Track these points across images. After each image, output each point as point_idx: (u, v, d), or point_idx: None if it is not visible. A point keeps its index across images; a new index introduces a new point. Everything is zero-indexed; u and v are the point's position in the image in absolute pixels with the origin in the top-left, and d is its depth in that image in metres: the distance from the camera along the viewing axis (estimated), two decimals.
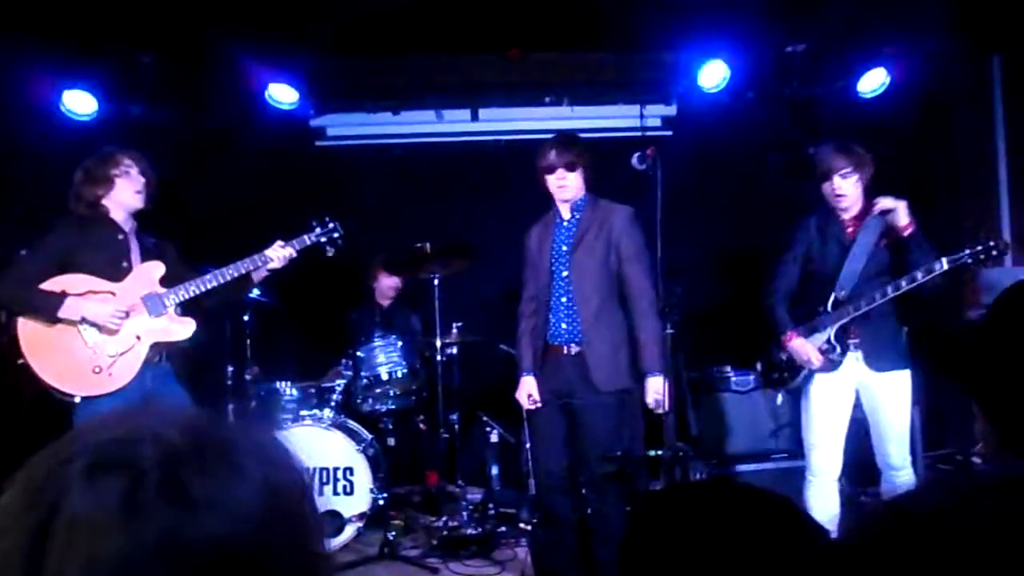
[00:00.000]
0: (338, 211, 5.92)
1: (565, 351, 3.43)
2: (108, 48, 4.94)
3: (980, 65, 5.65)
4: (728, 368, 5.20)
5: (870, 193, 3.64)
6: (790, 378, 3.66)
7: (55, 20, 4.45)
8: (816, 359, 3.48)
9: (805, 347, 3.52)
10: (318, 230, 3.68)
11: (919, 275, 3.35)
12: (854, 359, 3.51)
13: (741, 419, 5.03)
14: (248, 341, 4.63)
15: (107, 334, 3.20)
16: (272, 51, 5.01)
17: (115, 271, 3.28)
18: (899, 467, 3.50)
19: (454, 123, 5.98)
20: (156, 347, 3.29)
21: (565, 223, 3.56)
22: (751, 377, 5.11)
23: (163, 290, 3.31)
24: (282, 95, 5.25)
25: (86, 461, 0.61)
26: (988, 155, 5.69)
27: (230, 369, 4.58)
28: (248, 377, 4.58)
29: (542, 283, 3.53)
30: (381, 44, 5.13)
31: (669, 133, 5.91)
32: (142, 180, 3.38)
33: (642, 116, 5.75)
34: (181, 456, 0.62)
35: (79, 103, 5.03)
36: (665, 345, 3.36)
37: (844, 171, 3.55)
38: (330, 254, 3.71)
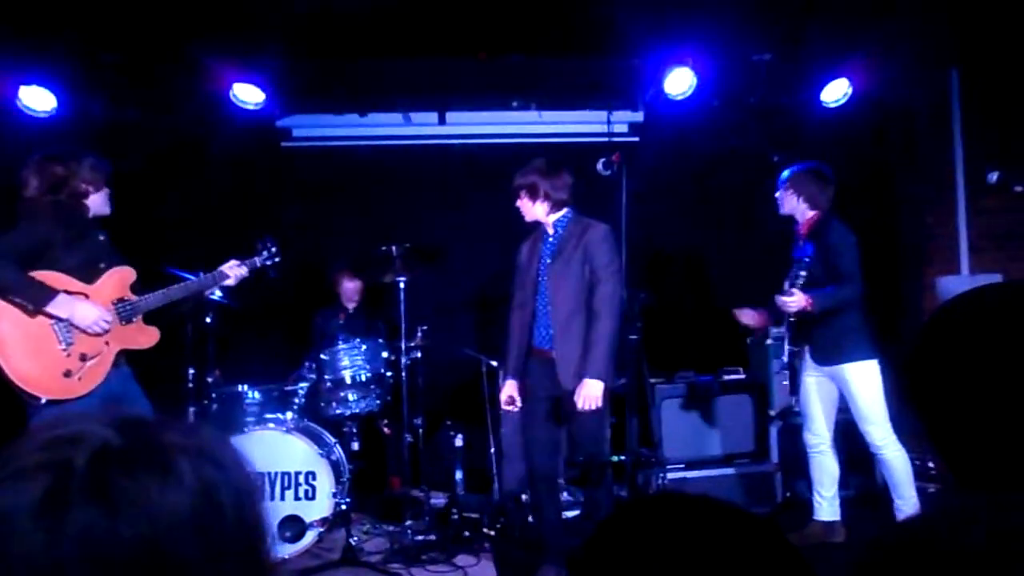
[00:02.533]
0: (303, 212, 5.94)
1: (544, 354, 3.75)
2: (68, 45, 4.85)
3: (940, 77, 5.77)
4: (692, 373, 5.25)
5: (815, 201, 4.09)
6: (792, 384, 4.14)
7: (12, 14, 4.36)
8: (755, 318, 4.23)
9: (745, 314, 4.26)
10: (264, 253, 3.85)
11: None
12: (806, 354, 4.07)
13: (704, 424, 5.07)
14: (210, 344, 4.56)
15: (82, 338, 3.13)
16: (238, 51, 4.96)
17: (89, 272, 3.20)
18: (879, 445, 3.91)
19: (421, 126, 5.96)
20: (121, 353, 3.25)
21: (550, 238, 3.83)
22: (715, 382, 5.16)
23: (134, 297, 3.27)
24: (248, 95, 5.19)
25: (19, 463, 0.60)
26: (947, 164, 5.81)
27: (191, 372, 4.50)
28: (210, 380, 4.51)
29: (528, 292, 3.84)
30: (349, 46, 5.10)
31: (636, 139, 5.95)
32: (107, 190, 3.40)
33: (609, 122, 5.79)
34: (112, 457, 0.62)
35: (37, 99, 4.92)
36: (613, 353, 3.62)
37: (783, 185, 4.12)
38: (272, 275, 3.87)
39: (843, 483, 4.31)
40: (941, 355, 0.91)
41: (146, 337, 3.31)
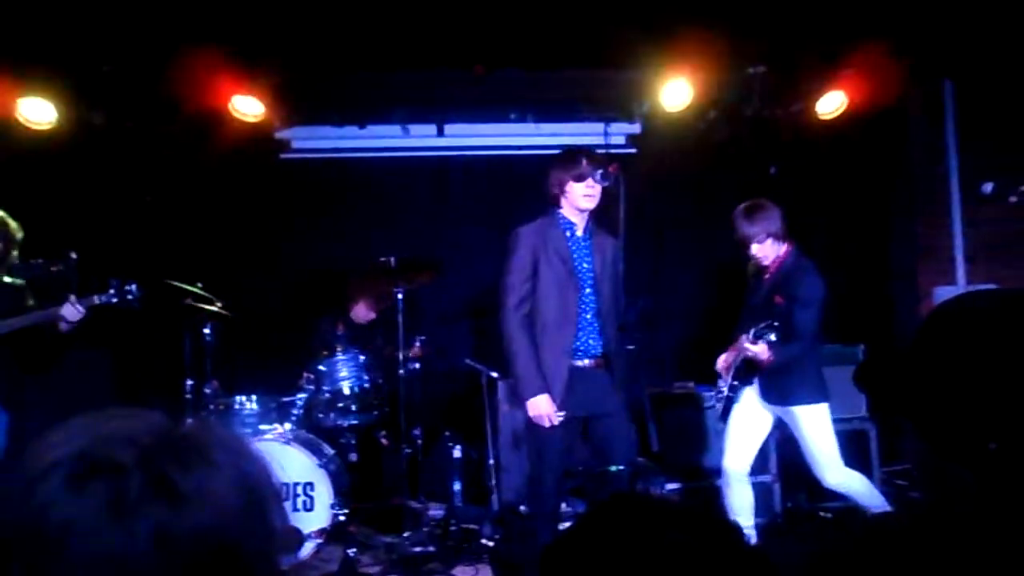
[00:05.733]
0: (303, 223, 5.96)
1: (591, 366, 3.53)
2: (68, 57, 4.87)
3: (933, 88, 5.81)
4: (691, 383, 5.25)
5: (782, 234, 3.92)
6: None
7: (12, 27, 4.38)
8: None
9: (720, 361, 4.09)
10: (112, 291, 3.86)
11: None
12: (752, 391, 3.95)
13: (704, 434, 5.08)
14: (208, 355, 4.57)
15: None
16: (237, 63, 4.98)
17: None
18: (834, 485, 3.85)
19: (420, 138, 5.99)
20: None
21: (580, 238, 3.60)
22: (714, 393, 5.16)
23: None
24: (247, 107, 5.22)
25: (66, 471, 0.61)
26: (941, 176, 5.85)
27: (189, 383, 4.51)
28: (208, 391, 4.51)
29: (565, 298, 3.49)
30: (347, 58, 5.13)
31: (633, 151, 5.98)
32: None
33: (606, 134, 5.82)
34: (160, 453, 0.63)
35: (36, 112, 4.94)
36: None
37: (758, 237, 3.84)
38: (119, 307, 3.92)
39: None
40: (936, 350, 0.95)
41: None
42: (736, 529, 0.88)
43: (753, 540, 4.06)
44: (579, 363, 3.51)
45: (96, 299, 3.81)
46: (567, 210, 3.59)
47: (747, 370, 3.91)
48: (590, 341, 3.53)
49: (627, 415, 3.54)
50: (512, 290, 3.51)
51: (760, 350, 3.67)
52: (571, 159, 3.57)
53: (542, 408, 3.40)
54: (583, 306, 3.53)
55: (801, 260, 3.87)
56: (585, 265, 3.58)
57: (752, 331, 3.67)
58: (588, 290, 3.55)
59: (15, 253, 3.84)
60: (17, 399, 3.79)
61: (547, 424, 3.41)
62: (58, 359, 3.93)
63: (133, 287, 3.89)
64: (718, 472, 4.95)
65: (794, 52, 5.16)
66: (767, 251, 3.86)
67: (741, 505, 3.97)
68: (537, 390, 3.42)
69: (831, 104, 5.35)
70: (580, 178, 3.50)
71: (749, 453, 3.98)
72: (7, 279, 3.86)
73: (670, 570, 0.83)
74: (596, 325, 3.54)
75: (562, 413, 3.40)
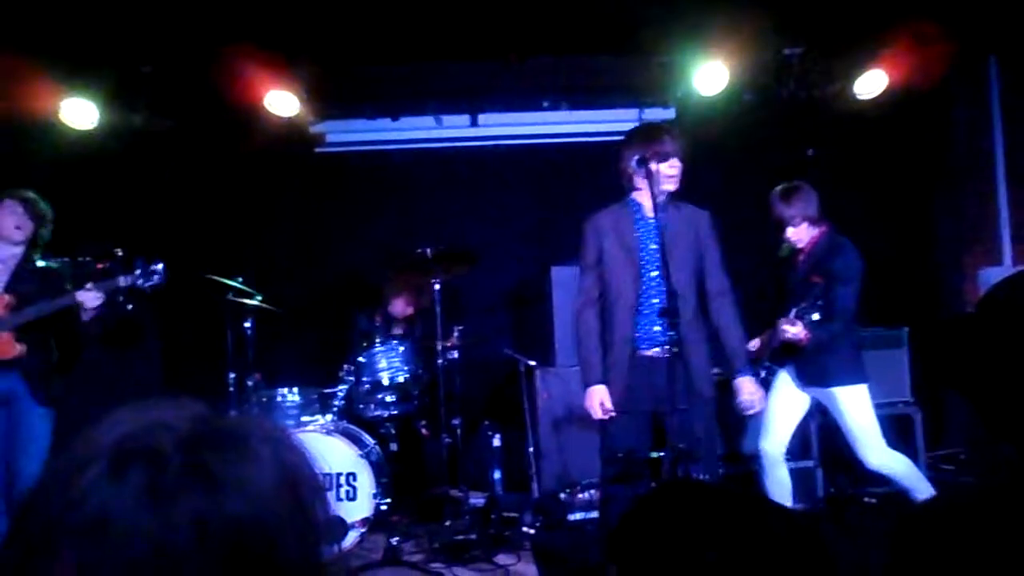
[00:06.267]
0: (339, 217, 6.01)
1: (657, 355, 3.23)
2: (108, 58, 4.96)
3: (977, 65, 5.67)
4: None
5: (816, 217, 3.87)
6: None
7: (55, 31, 4.47)
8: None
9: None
10: (137, 271, 3.76)
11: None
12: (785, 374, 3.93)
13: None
14: (250, 348, 4.64)
15: None
16: (271, 60, 5.03)
17: None
18: (877, 466, 3.79)
19: (453, 128, 6.00)
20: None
21: (650, 220, 3.34)
22: (757, 377, 5.11)
23: (3, 316, 3.66)
24: (281, 103, 5.27)
25: (107, 458, 0.62)
26: (986, 154, 5.71)
27: (232, 376, 4.59)
28: (250, 384, 4.59)
29: (625, 283, 3.30)
30: (380, 51, 5.15)
31: None
32: (26, 218, 3.75)
33: (640, 120, 5.77)
34: (199, 441, 0.64)
35: (78, 113, 5.04)
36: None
37: (794, 220, 3.80)
38: (147, 293, 3.82)
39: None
40: (997, 324, 0.94)
41: (8, 349, 3.65)
42: (804, 521, 0.89)
43: None
44: (645, 352, 3.26)
45: (121, 280, 3.73)
46: (643, 192, 3.32)
47: (783, 353, 3.87)
48: (655, 328, 3.24)
49: (704, 407, 3.27)
50: (581, 278, 3.41)
51: (798, 331, 3.62)
52: (653, 135, 3.29)
53: (592, 400, 3.27)
54: (648, 291, 3.25)
55: (837, 238, 3.82)
56: (653, 246, 3.29)
57: (792, 311, 3.63)
58: (654, 273, 3.27)
59: (45, 233, 3.81)
60: (59, 397, 3.78)
61: (595, 416, 3.28)
62: (78, 354, 3.93)
63: (159, 267, 3.78)
64: (754, 458, 4.94)
65: (833, 32, 5.06)
66: (802, 234, 3.83)
67: (779, 488, 3.95)
68: (591, 380, 3.29)
69: (871, 84, 5.24)
70: (664, 157, 3.25)
71: (785, 436, 3.96)
72: (40, 263, 3.84)
73: (739, 558, 0.83)
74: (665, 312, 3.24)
75: (612, 410, 3.24)
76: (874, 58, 5.17)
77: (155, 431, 0.64)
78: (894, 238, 5.85)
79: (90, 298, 3.63)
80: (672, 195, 3.36)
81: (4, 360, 3.63)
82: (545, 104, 5.79)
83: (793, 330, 3.62)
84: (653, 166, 3.22)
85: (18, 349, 3.66)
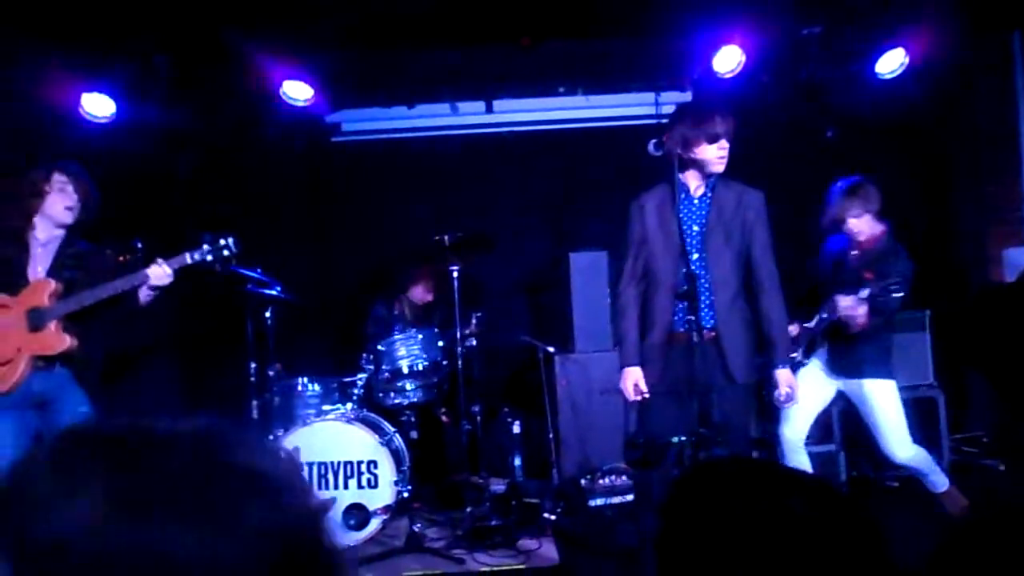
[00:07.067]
0: (356, 205, 6.02)
1: (696, 338, 3.10)
2: (125, 50, 4.97)
3: (1000, 42, 5.57)
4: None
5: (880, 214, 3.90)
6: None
7: (73, 24, 4.49)
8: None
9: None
10: (206, 247, 3.50)
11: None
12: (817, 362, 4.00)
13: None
14: (270, 338, 4.67)
15: None
16: (286, 48, 5.03)
17: (13, 285, 3.39)
18: (903, 460, 3.83)
19: (469, 115, 5.99)
20: (40, 357, 3.37)
21: (695, 200, 3.29)
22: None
23: (48, 305, 3.37)
24: (297, 92, 5.27)
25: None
26: (1010, 134, 5.62)
27: (253, 366, 4.62)
28: (271, 374, 4.61)
29: (666, 265, 3.25)
30: (394, 38, 5.13)
31: None
32: (75, 197, 3.46)
33: (657, 103, 5.73)
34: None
35: (98, 105, 5.07)
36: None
37: (855, 212, 3.82)
38: (218, 270, 3.57)
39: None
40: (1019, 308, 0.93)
41: (58, 343, 3.36)
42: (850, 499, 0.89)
43: None
44: (684, 336, 3.15)
45: (188, 257, 3.46)
46: (689, 172, 3.27)
47: (824, 337, 3.90)
48: (702, 311, 3.17)
49: (741, 391, 3.25)
50: (626, 260, 3.37)
51: (860, 311, 3.61)
52: (704, 116, 3.20)
53: (627, 381, 3.27)
54: (691, 273, 3.13)
55: (894, 243, 3.86)
56: (696, 228, 3.25)
57: (863, 291, 3.61)
58: (696, 256, 3.21)
59: (91, 209, 3.51)
60: (98, 390, 3.56)
61: (629, 398, 3.28)
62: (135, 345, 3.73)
63: (230, 241, 3.52)
64: (768, 442, 4.92)
65: (851, 10, 4.99)
66: (863, 227, 3.83)
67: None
68: (625, 361, 3.30)
69: (891, 63, 5.16)
70: (714, 138, 3.18)
71: (807, 422, 3.98)
72: (80, 247, 3.55)
73: (790, 535, 0.83)
74: (707, 294, 3.21)
75: (646, 393, 3.23)
76: (894, 36, 5.09)
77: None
78: (915, 220, 5.77)
79: (160, 276, 3.37)
80: (721, 175, 3.29)
81: (49, 356, 3.37)
82: (561, 89, 5.75)
83: (856, 310, 3.61)
84: (701, 148, 3.19)
85: (68, 343, 3.35)
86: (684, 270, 3.12)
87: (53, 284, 3.39)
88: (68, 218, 3.45)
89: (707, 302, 3.23)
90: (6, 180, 3.48)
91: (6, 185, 3.46)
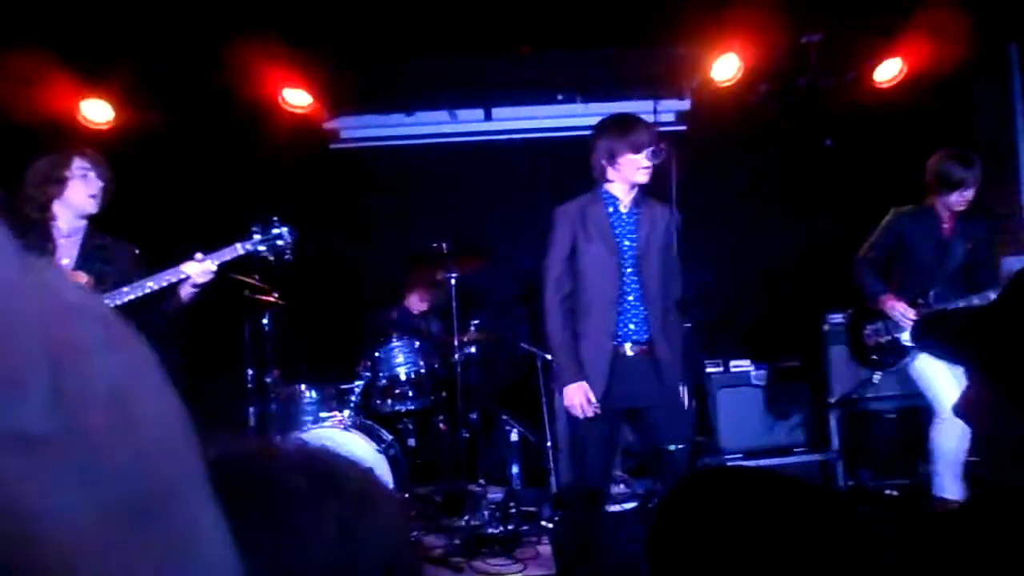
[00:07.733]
0: (354, 212, 6.02)
1: (631, 352, 3.19)
2: (124, 57, 4.98)
3: (997, 53, 5.59)
4: (747, 362, 5.18)
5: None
6: (895, 361, 4.07)
7: (72, 31, 4.49)
8: (911, 314, 3.97)
9: (900, 306, 4.02)
10: (257, 236, 3.26)
11: (990, 295, 3.75)
12: None
13: (762, 413, 5.01)
14: (268, 344, 4.66)
15: None
16: (285, 56, 5.03)
17: None
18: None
19: (467, 123, 6.00)
20: None
21: (624, 214, 3.30)
22: (771, 370, 5.09)
23: None
24: (296, 99, 5.28)
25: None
26: (1008, 143, 5.63)
27: (250, 372, 4.61)
28: (269, 380, 4.60)
29: (605, 279, 3.22)
30: (393, 46, 5.14)
31: (683, 128, 5.89)
32: (99, 184, 3.23)
33: (656, 111, 5.73)
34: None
35: (97, 112, 5.08)
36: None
37: (972, 184, 3.94)
38: (272, 262, 3.33)
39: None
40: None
41: None
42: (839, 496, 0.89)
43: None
44: (621, 350, 3.21)
45: (240, 247, 3.19)
46: (615, 184, 3.30)
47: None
48: (631, 326, 3.22)
49: (679, 401, 3.24)
50: (549, 271, 3.31)
51: None
52: (628, 126, 3.23)
53: (575, 397, 3.17)
54: (625, 288, 3.20)
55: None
56: (627, 243, 3.26)
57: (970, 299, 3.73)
58: (630, 270, 3.23)
59: (84, 191, 3.21)
60: None
61: (580, 415, 3.19)
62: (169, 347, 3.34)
63: (284, 231, 3.27)
64: (776, 450, 4.91)
65: (850, 19, 5.00)
66: (970, 198, 3.95)
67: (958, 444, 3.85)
68: (571, 378, 3.19)
69: (889, 72, 5.18)
70: (638, 148, 3.19)
71: (957, 390, 3.99)
72: (101, 238, 3.30)
73: (784, 539, 0.83)
74: (640, 308, 3.23)
75: (597, 405, 3.16)
76: (893, 45, 5.11)
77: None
78: None
79: (200, 272, 3.07)
80: (642, 188, 3.31)
81: None
82: (559, 97, 5.77)
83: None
84: (624, 158, 3.21)
85: None
86: (618, 283, 3.17)
87: (84, 277, 3.16)
88: (92, 207, 3.21)
89: (641, 315, 3.24)
90: (28, 168, 3.18)
91: (26, 173, 3.19)
